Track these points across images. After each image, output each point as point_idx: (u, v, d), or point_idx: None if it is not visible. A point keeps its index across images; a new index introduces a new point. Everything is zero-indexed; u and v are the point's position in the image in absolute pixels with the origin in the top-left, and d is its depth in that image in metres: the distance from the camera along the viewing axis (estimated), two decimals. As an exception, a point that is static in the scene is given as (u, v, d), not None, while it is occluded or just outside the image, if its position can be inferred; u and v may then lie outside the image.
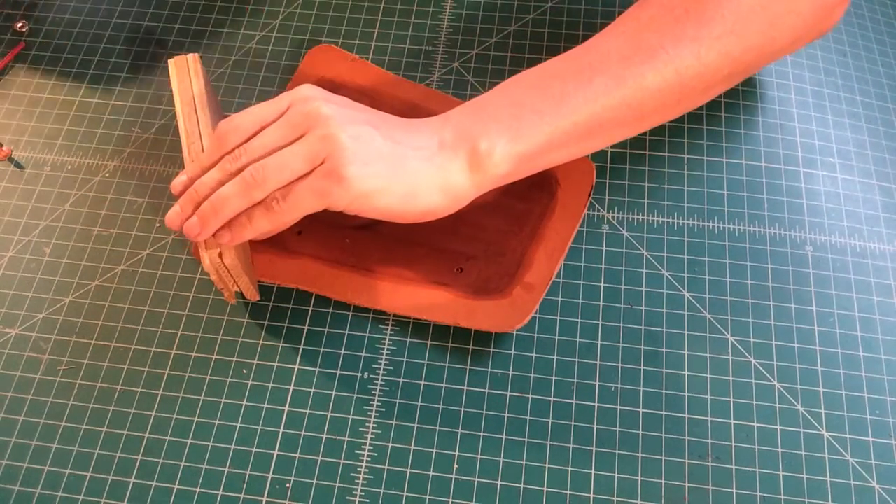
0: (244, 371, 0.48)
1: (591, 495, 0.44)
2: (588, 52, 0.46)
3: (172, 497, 0.44)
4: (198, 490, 0.45)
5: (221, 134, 0.44)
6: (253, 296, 0.49)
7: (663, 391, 0.47)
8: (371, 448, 0.46)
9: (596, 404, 0.47)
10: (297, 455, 0.45)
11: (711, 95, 0.49)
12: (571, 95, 0.44)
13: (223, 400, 0.47)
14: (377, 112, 0.45)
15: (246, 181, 0.42)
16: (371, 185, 0.42)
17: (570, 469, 0.45)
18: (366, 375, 0.48)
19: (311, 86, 0.45)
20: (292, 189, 0.42)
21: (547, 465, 0.45)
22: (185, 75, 0.49)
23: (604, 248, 0.51)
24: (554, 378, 0.47)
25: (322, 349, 0.48)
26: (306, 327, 0.49)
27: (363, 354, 0.48)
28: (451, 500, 0.44)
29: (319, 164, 0.42)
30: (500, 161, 0.44)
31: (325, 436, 0.46)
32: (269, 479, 0.45)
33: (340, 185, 0.41)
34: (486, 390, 0.47)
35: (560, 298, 0.50)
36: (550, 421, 0.46)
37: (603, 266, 0.51)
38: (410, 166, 0.43)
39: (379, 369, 0.48)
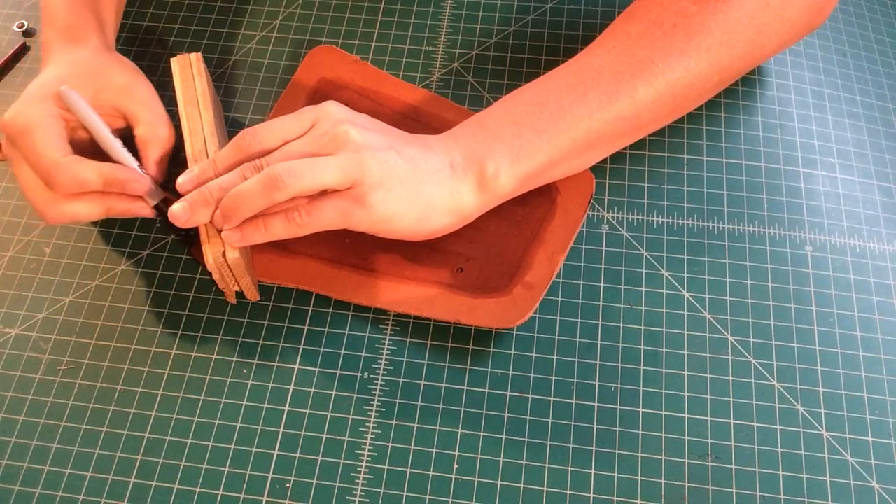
0: (244, 371, 0.48)
1: (591, 495, 0.44)
2: (581, 69, 0.47)
3: (172, 497, 0.44)
4: (198, 490, 0.45)
5: (242, 143, 0.44)
6: (253, 296, 0.49)
7: (663, 391, 0.47)
8: (371, 448, 0.46)
9: (596, 404, 0.47)
10: (297, 455, 0.45)
11: (703, 101, 0.50)
12: (568, 112, 0.46)
13: (223, 400, 0.47)
14: (393, 131, 0.46)
15: (271, 179, 0.41)
16: (392, 209, 0.43)
17: (570, 469, 0.45)
18: (366, 375, 0.48)
19: (335, 103, 0.45)
20: (318, 206, 0.43)
21: (547, 465, 0.45)
22: (188, 74, 0.49)
23: (604, 248, 0.51)
24: (554, 378, 0.47)
25: (322, 349, 0.48)
26: (306, 327, 0.49)
27: (363, 354, 0.48)
28: (451, 500, 0.44)
29: (348, 188, 0.43)
30: (506, 182, 0.46)
31: (325, 436, 0.46)
32: (269, 479, 0.45)
33: (365, 210, 0.43)
34: (486, 390, 0.47)
35: (560, 298, 0.50)
36: (550, 421, 0.46)
37: (603, 266, 0.51)
38: (426, 190, 0.44)
39: (379, 369, 0.48)
